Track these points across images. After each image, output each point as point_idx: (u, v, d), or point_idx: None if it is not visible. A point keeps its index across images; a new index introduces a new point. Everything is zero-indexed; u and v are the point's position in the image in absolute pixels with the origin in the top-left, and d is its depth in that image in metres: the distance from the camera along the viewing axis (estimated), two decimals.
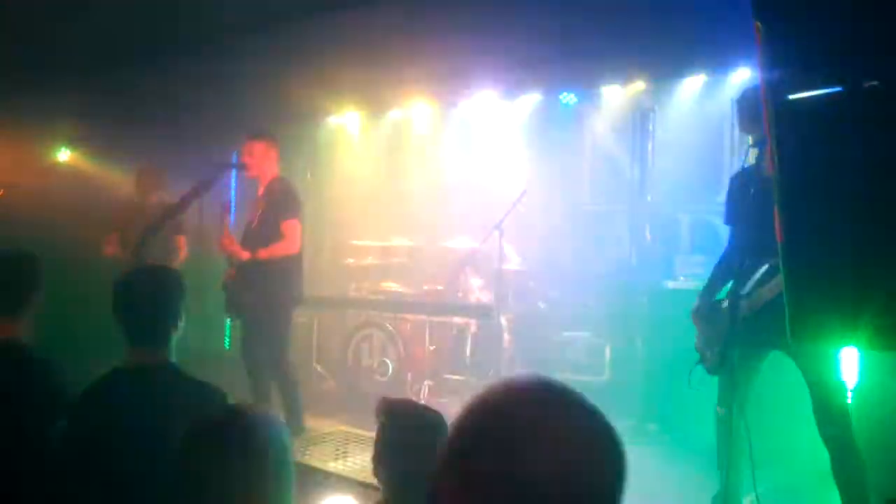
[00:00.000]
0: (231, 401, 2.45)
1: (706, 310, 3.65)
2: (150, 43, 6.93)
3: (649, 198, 6.66)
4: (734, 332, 3.11)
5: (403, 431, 2.17)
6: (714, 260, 3.85)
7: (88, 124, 8.05)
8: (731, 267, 3.68)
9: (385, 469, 2.15)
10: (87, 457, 2.24)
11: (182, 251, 6.13)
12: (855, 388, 4.05)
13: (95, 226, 6.39)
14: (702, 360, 3.63)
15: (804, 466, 4.20)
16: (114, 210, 6.34)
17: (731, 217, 3.72)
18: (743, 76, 6.26)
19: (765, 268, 3.19)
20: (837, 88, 1.51)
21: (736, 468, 3.28)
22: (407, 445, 2.14)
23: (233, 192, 8.76)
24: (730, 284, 3.64)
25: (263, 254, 4.94)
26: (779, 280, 2.97)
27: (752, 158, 3.49)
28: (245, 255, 4.91)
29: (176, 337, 2.51)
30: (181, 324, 2.53)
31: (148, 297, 2.46)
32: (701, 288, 3.81)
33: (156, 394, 2.32)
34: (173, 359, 2.49)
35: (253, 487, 1.57)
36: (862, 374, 4.19)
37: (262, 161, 5.17)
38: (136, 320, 2.44)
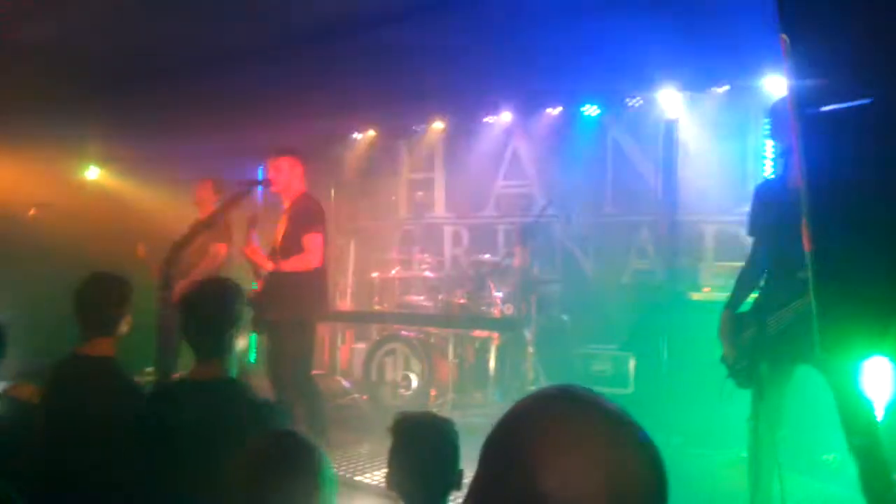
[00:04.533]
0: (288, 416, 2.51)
1: (732, 322, 3.61)
2: (177, 62, 7.03)
3: (674, 209, 6.64)
4: (762, 346, 3.08)
5: (410, 442, 2.20)
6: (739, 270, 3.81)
7: (117, 142, 8.18)
8: (756, 278, 3.65)
9: (397, 477, 2.18)
10: (148, 465, 2.33)
11: (217, 259, 6.17)
12: (892, 400, 4.00)
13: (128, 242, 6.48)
14: (731, 375, 3.60)
15: (834, 478, 4.15)
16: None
17: (756, 228, 3.69)
18: (768, 86, 6.23)
19: (799, 280, 3.16)
20: (866, 101, 1.51)
21: (766, 481, 3.26)
22: (415, 454, 2.17)
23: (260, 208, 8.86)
24: (755, 297, 3.62)
25: (285, 266, 4.96)
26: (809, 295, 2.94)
27: (779, 168, 3.48)
28: (270, 265, 4.94)
29: (235, 348, 2.57)
30: (238, 335, 2.60)
31: (201, 310, 2.54)
32: (726, 300, 3.77)
33: (212, 407, 2.37)
34: (233, 371, 2.55)
35: None
36: None
37: (289, 177, 5.20)
38: (192, 333, 2.52)
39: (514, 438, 0.94)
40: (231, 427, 2.28)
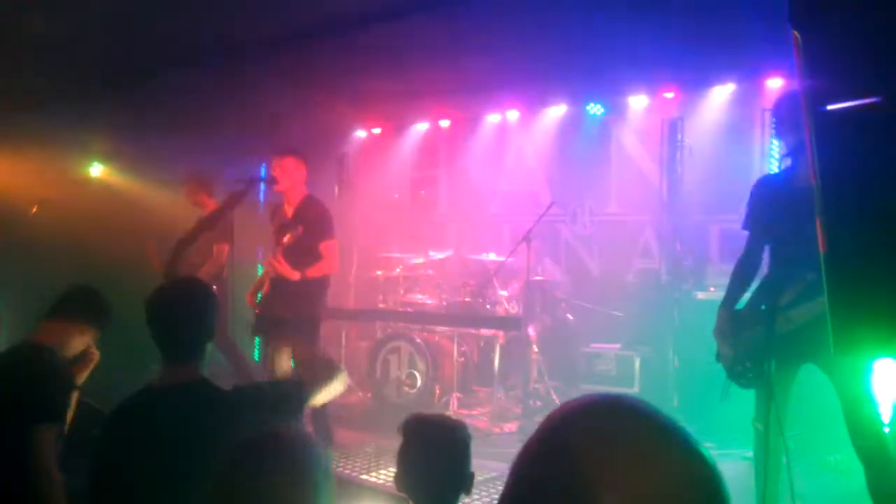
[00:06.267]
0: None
1: (731, 321, 3.57)
2: (179, 58, 7.02)
3: (678, 208, 6.61)
4: (771, 345, 3.05)
5: (422, 444, 2.18)
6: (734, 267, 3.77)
7: (120, 139, 8.17)
8: (751, 275, 3.62)
9: (407, 478, 2.16)
10: (122, 475, 2.25)
11: (220, 259, 6.16)
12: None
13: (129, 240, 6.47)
14: (730, 375, 3.56)
15: (842, 481, 4.13)
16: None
17: (755, 224, 3.64)
18: (773, 85, 6.21)
19: (807, 282, 3.12)
20: (876, 98, 1.49)
21: (774, 483, 3.23)
22: (427, 455, 2.15)
23: (261, 206, 8.85)
24: (752, 293, 3.58)
25: (311, 273, 5.04)
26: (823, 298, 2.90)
27: (784, 166, 3.44)
28: (296, 275, 4.98)
29: (210, 349, 2.50)
30: (214, 336, 2.53)
31: (180, 312, 2.43)
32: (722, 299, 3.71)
33: (191, 410, 2.30)
34: (206, 372, 2.47)
35: None
36: None
37: (293, 177, 5.24)
38: (170, 336, 2.41)
39: (565, 450, 0.88)
40: (211, 428, 2.22)
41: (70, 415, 3.03)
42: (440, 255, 7.73)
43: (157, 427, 2.25)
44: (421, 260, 7.53)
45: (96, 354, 3.25)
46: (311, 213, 5.21)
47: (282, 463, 1.60)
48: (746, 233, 3.68)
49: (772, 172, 3.60)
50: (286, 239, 5.02)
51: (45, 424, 2.70)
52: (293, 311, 5.09)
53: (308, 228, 5.10)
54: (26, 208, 7.12)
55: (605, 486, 0.83)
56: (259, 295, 5.27)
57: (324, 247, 5.14)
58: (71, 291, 3.16)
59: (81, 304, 3.14)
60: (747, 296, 3.62)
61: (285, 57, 6.59)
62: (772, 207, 3.42)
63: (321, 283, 5.24)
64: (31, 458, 2.63)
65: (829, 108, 1.49)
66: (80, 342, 3.13)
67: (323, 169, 8.16)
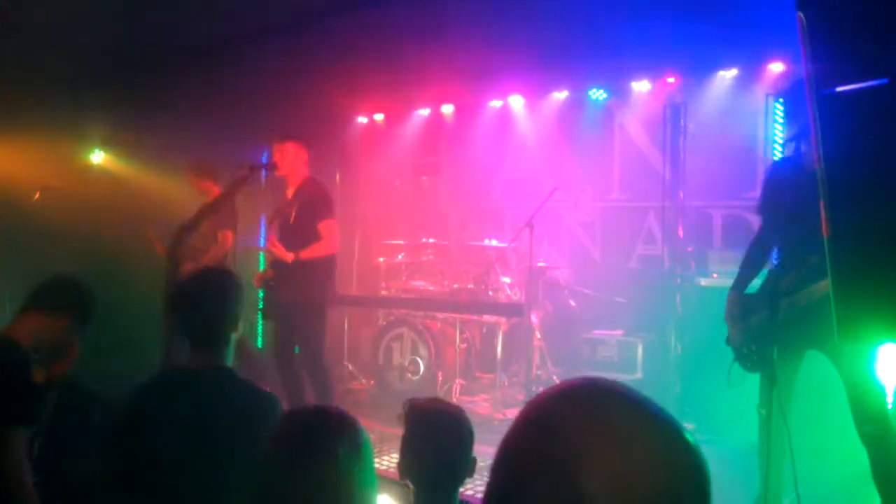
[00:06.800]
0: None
1: (740, 304, 3.56)
2: (180, 45, 7.00)
3: (681, 194, 6.59)
4: (774, 330, 3.05)
5: (426, 430, 2.18)
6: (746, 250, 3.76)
7: (121, 126, 8.16)
8: (762, 259, 3.61)
9: (411, 465, 2.17)
10: (140, 458, 2.26)
11: (224, 246, 6.13)
12: None
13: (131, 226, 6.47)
14: (737, 358, 3.56)
15: (845, 467, 4.13)
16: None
17: (767, 207, 3.63)
18: (775, 69, 6.17)
19: (809, 265, 3.12)
20: (883, 80, 1.48)
21: (777, 469, 3.23)
22: (428, 444, 2.15)
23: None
24: (762, 278, 3.58)
25: (305, 255, 5.01)
26: (825, 282, 2.88)
27: (789, 152, 3.43)
28: (290, 256, 4.97)
29: (234, 338, 2.51)
30: (239, 325, 2.53)
31: (206, 301, 2.46)
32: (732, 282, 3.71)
33: (206, 397, 2.32)
34: (230, 361, 2.48)
35: (345, 486, 1.58)
36: None
37: (294, 161, 5.22)
38: (194, 323, 2.44)
39: (548, 438, 0.87)
40: (227, 416, 2.25)
41: (48, 409, 2.96)
42: (443, 242, 7.73)
43: (183, 410, 2.27)
44: (423, 244, 7.53)
45: (76, 348, 3.08)
46: (309, 193, 5.20)
47: (329, 435, 1.60)
48: (760, 217, 3.67)
49: (785, 156, 3.57)
50: (288, 225, 5.02)
51: (11, 427, 2.59)
52: (297, 296, 5.08)
53: (305, 208, 5.09)
54: (28, 195, 7.12)
55: (587, 464, 0.83)
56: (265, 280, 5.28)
57: (323, 227, 5.11)
58: (47, 282, 3.02)
59: (58, 295, 2.99)
60: (759, 281, 3.61)
61: (286, 42, 6.57)
62: (781, 191, 3.41)
63: (325, 267, 5.21)
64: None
65: (835, 90, 1.47)
66: (58, 336, 2.97)
67: (324, 156, 8.13)
